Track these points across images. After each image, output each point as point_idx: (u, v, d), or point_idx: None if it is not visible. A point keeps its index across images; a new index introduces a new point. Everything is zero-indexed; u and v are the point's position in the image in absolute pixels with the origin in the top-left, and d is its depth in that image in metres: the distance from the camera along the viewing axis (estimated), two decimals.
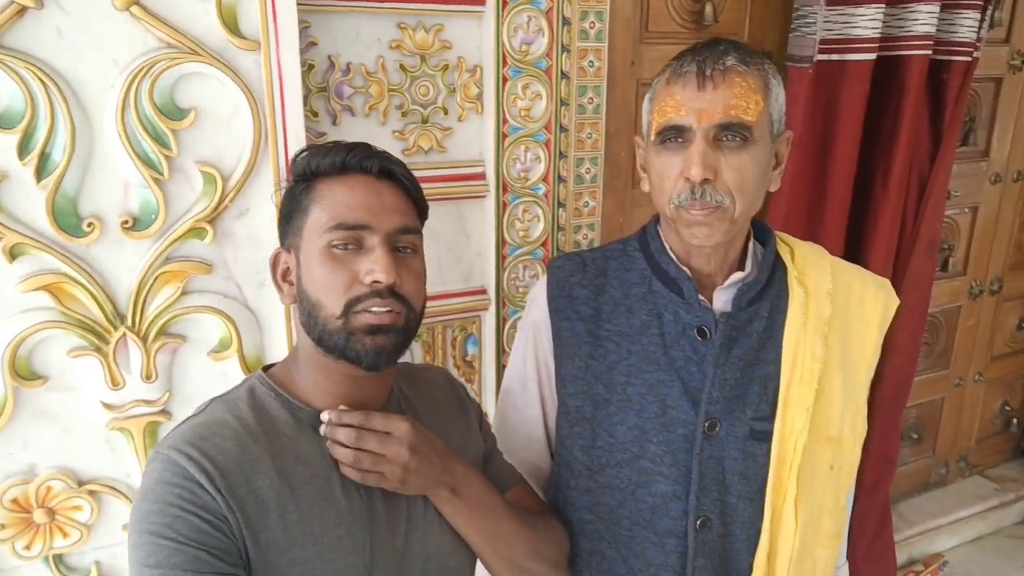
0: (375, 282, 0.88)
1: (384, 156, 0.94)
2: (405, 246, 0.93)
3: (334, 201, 0.90)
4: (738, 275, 1.09)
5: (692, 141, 0.99)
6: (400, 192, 0.94)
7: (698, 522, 1.09)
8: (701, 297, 1.08)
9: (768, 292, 1.11)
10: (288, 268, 0.96)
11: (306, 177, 0.93)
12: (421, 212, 0.99)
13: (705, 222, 1.01)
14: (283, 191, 0.97)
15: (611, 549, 1.14)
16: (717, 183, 0.99)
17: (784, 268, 1.14)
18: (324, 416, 0.92)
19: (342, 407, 0.93)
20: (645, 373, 1.09)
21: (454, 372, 1.77)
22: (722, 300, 1.10)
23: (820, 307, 1.11)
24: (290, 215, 0.95)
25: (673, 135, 1.01)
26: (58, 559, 1.33)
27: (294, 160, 0.95)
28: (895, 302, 1.15)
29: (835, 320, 1.11)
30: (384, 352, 0.90)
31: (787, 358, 1.09)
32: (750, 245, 1.13)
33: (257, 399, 0.94)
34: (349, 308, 0.88)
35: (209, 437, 0.86)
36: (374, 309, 0.88)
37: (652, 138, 1.04)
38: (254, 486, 0.85)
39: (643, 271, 1.13)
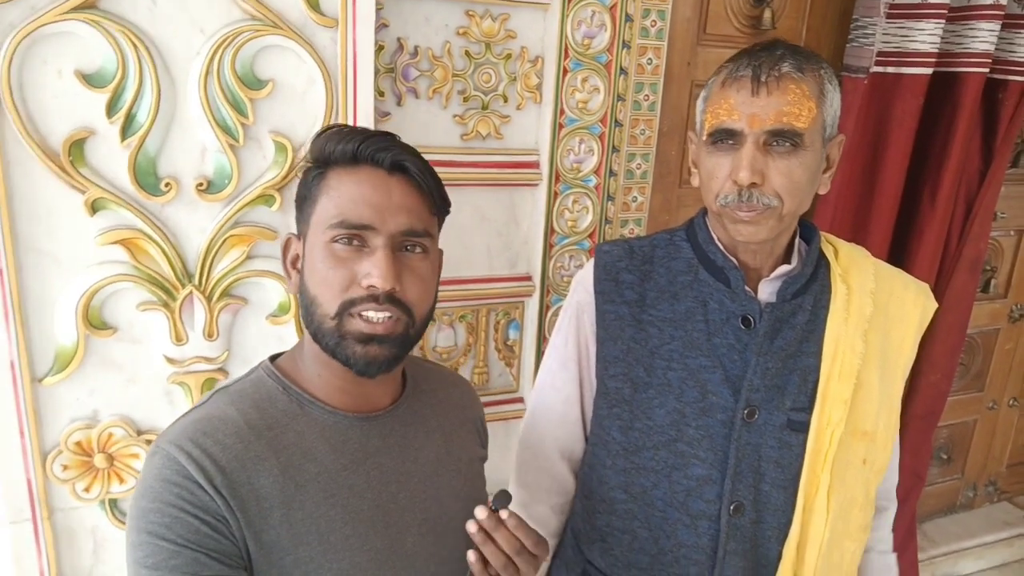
0: (371, 287, 0.84)
1: (399, 148, 0.89)
2: (413, 246, 0.89)
3: (341, 194, 0.86)
4: (784, 268, 1.12)
5: (743, 145, 1.01)
6: (413, 189, 0.89)
7: (732, 507, 1.11)
8: (747, 288, 1.11)
9: (812, 287, 1.13)
10: (297, 255, 0.92)
11: (320, 162, 0.89)
12: (438, 210, 0.94)
13: (752, 221, 1.04)
14: (300, 173, 0.94)
15: (643, 529, 1.16)
16: (764, 186, 1.01)
17: (828, 265, 1.16)
18: (479, 514, 0.86)
19: (504, 511, 0.87)
20: (687, 358, 1.12)
21: (494, 355, 1.81)
22: (767, 291, 1.12)
23: (862, 305, 1.13)
24: (302, 201, 0.91)
25: (724, 137, 1.03)
26: (113, 503, 1.39)
27: (313, 141, 0.90)
28: (933, 306, 1.17)
29: (876, 318, 1.13)
30: (376, 362, 0.87)
31: (828, 351, 1.11)
32: (796, 241, 1.16)
33: (263, 391, 0.91)
34: (344, 310, 0.85)
35: (211, 433, 0.83)
36: (369, 315, 0.85)
37: (704, 138, 1.07)
38: (256, 485, 0.82)
39: (690, 260, 1.16)
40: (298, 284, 0.91)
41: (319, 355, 0.90)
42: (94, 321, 1.30)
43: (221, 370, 1.40)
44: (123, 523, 1.40)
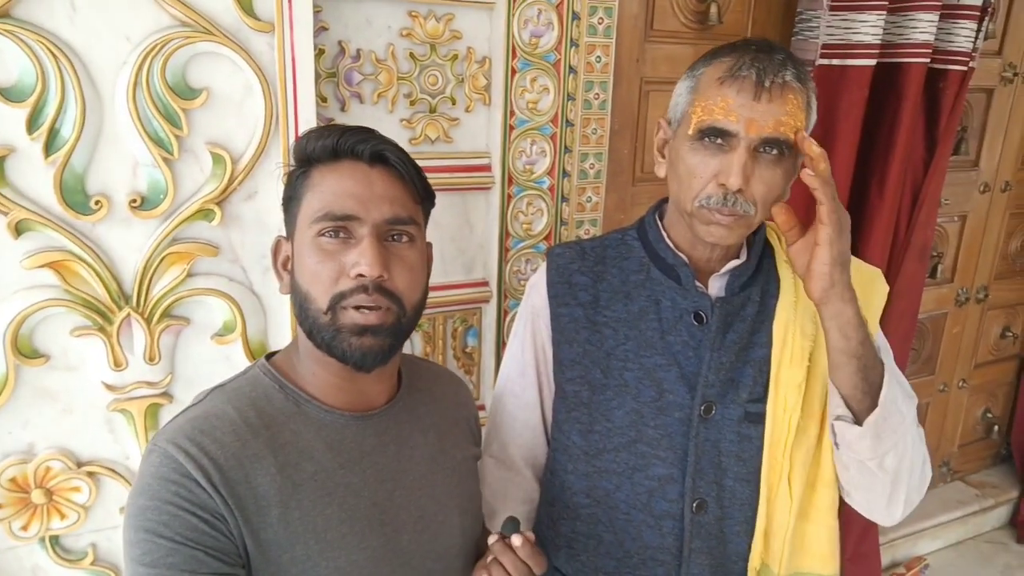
0: (359, 275, 0.85)
1: (378, 140, 0.91)
2: (399, 235, 0.90)
3: (324, 190, 0.88)
4: (734, 262, 1.12)
5: (735, 149, 0.98)
6: (395, 179, 0.91)
7: (694, 504, 1.10)
8: (698, 283, 1.10)
9: (758, 277, 1.14)
10: (287, 256, 0.94)
11: (304, 162, 0.91)
12: (423, 199, 0.96)
13: (726, 225, 1.02)
14: (286, 175, 0.96)
15: (608, 533, 1.15)
16: (746, 192, 1.00)
17: (772, 253, 1.16)
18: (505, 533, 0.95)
19: (528, 533, 0.95)
20: (642, 358, 1.11)
21: (453, 364, 1.77)
22: (717, 286, 1.12)
23: None
24: (288, 202, 0.93)
25: (714, 136, 1.00)
26: (54, 540, 1.32)
27: (296, 143, 0.93)
28: (885, 288, 1.17)
29: None
30: (371, 353, 0.87)
31: (777, 338, 1.11)
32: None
33: (260, 390, 0.91)
34: (336, 303, 0.86)
35: (208, 431, 0.83)
36: (361, 307, 0.86)
37: (690, 132, 1.02)
38: (254, 483, 0.83)
39: (641, 259, 1.15)
40: (290, 284, 0.93)
41: (314, 353, 0.91)
42: (24, 350, 1.22)
43: (165, 394, 1.34)
44: (67, 561, 1.34)
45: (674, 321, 1.11)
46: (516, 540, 0.94)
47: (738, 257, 1.13)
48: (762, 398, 1.10)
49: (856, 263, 1.20)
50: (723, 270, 1.11)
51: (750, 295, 1.12)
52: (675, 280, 1.11)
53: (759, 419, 1.10)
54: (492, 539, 0.95)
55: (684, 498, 1.10)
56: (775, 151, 0.98)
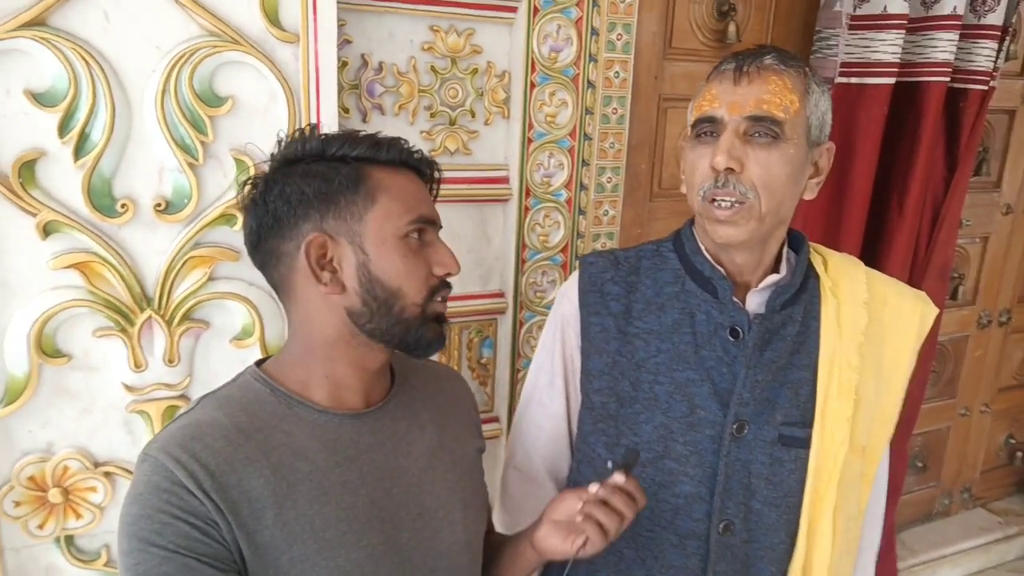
0: (448, 274, 0.95)
1: (420, 152, 0.99)
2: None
3: (403, 193, 0.92)
4: (773, 277, 1.09)
5: (723, 133, 1.00)
6: (423, 185, 0.99)
7: (721, 525, 1.08)
8: (735, 298, 1.09)
9: (801, 297, 1.11)
10: (325, 255, 0.89)
11: (348, 161, 0.90)
12: None
13: (730, 220, 1.01)
14: (302, 172, 0.90)
15: (630, 549, 1.13)
16: (743, 176, 0.99)
17: (817, 277, 1.14)
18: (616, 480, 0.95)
19: (620, 475, 0.96)
20: (674, 372, 1.09)
21: (468, 374, 1.77)
22: (755, 302, 1.10)
23: (855, 317, 1.10)
24: (335, 196, 0.88)
25: (707, 128, 1.02)
26: (69, 540, 1.33)
27: (327, 141, 0.91)
28: (933, 311, 1.14)
29: (871, 329, 1.10)
30: (443, 339, 0.97)
31: (823, 367, 1.08)
32: (784, 251, 1.14)
33: (250, 394, 0.92)
34: (430, 296, 0.93)
35: (199, 438, 0.84)
36: (442, 299, 0.95)
37: (689, 132, 1.06)
38: (247, 486, 0.83)
39: (676, 270, 1.13)
40: (340, 284, 0.90)
41: (341, 353, 0.93)
42: (47, 349, 1.25)
43: (183, 396, 1.35)
44: (80, 561, 1.34)
45: (709, 335, 1.08)
46: (620, 478, 0.95)
47: (777, 272, 1.11)
48: (799, 422, 1.08)
49: (898, 285, 1.16)
50: (761, 285, 1.09)
51: (792, 314, 1.09)
52: (711, 293, 1.09)
53: (795, 443, 1.08)
54: (594, 487, 0.95)
55: (711, 518, 1.08)
56: (767, 134, 0.99)
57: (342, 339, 0.92)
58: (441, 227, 0.98)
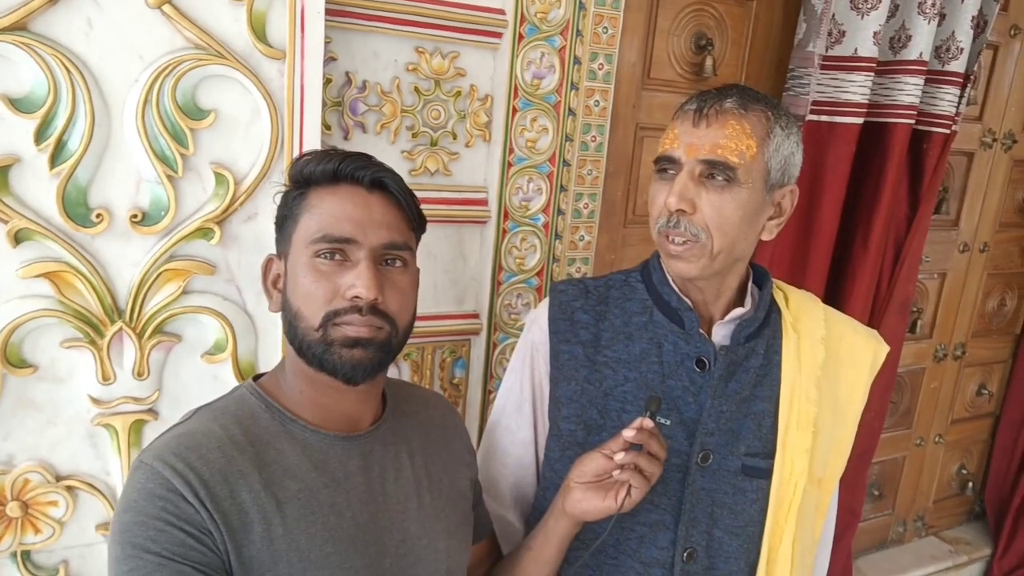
0: (355, 297, 0.88)
1: (377, 167, 0.94)
2: (393, 259, 0.93)
3: (323, 211, 0.90)
4: (738, 311, 1.13)
5: (679, 174, 1.04)
6: (392, 205, 0.94)
7: (685, 553, 1.10)
8: (701, 331, 1.12)
9: (764, 331, 1.14)
10: (278, 275, 0.96)
11: (301, 183, 0.93)
12: (416, 226, 0.99)
13: (682, 256, 1.05)
14: (280, 196, 0.98)
15: None
16: (694, 217, 1.03)
17: (779, 312, 1.18)
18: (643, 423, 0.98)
19: (647, 419, 0.97)
20: (641, 400, 1.11)
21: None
22: (721, 334, 1.13)
23: (814, 352, 1.15)
24: (283, 221, 0.95)
25: (666, 166, 1.06)
26: (26, 556, 1.29)
27: (292, 165, 0.95)
28: (885, 349, 1.20)
29: (828, 365, 1.15)
30: (362, 366, 0.89)
31: (784, 400, 1.12)
32: (748, 286, 1.17)
33: (246, 409, 0.92)
34: (327, 321, 0.88)
35: (194, 447, 0.84)
36: (353, 324, 0.88)
37: (654, 167, 1.09)
38: (238, 499, 0.84)
39: (644, 301, 1.16)
40: (280, 303, 0.94)
41: (303, 371, 0.92)
42: (13, 359, 1.22)
43: (151, 411, 1.33)
44: None
45: (675, 365, 1.11)
46: (648, 422, 0.97)
47: (741, 305, 1.14)
48: (760, 453, 1.11)
49: (853, 323, 1.21)
50: (727, 318, 1.12)
51: (755, 347, 1.12)
52: (678, 324, 1.12)
53: (756, 474, 1.11)
54: (628, 432, 0.97)
55: (675, 546, 1.10)
56: (721, 176, 1.02)
57: (296, 357, 0.93)
58: (383, 245, 0.91)
